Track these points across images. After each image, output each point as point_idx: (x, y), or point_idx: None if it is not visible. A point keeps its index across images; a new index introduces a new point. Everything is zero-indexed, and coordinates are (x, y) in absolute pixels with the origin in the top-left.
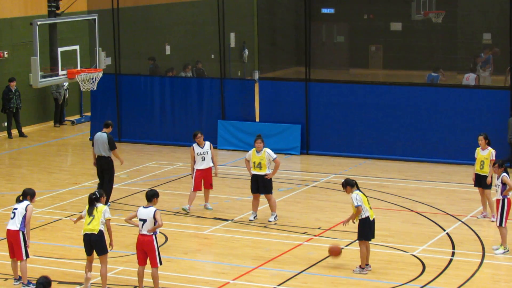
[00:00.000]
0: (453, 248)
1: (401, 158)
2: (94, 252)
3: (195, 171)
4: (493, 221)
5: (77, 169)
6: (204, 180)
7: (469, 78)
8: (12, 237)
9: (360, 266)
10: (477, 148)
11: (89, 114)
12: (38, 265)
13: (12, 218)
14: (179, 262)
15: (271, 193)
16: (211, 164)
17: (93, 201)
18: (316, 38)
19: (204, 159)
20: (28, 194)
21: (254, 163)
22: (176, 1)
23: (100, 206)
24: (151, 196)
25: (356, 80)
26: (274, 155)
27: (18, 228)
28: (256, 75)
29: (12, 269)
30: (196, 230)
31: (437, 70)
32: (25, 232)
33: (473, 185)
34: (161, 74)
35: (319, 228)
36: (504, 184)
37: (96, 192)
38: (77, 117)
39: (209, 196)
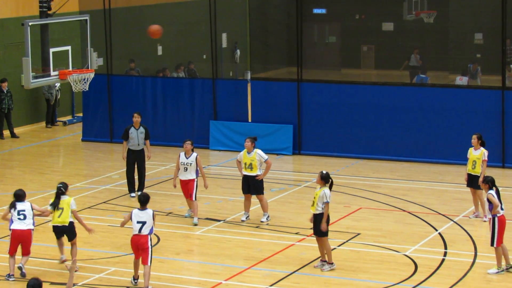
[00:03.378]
0: (445, 248)
1: (393, 158)
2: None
3: (178, 178)
4: (485, 221)
5: (69, 169)
6: (183, 190)
7: (462, 79)
8: (23, 236)
9: (328, 262)
10: (470, 148)
11: (81, 114)
12: (30, 266)
13: (22, 219)
14: (171, 263)
15: (262, 193)
16: (194, 177)
17: (59, 194)
18: (308, 38)
19: (186, 169)
20: (23, 196)
21: (245, 164)
22: (168, 2)
23: (66, 199)
24: (147, 200)
25: (348, 80)
26: (266, 156)
27: (30, 228)
28: (248, 76)
29: (10, 265)
30: (188, 231)
31: (425, 72)
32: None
33: (465, 185)
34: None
35: (311, 228)
36: (490, 202)
37: (61, 185)
38: (69, 117)
39: (194, 207)
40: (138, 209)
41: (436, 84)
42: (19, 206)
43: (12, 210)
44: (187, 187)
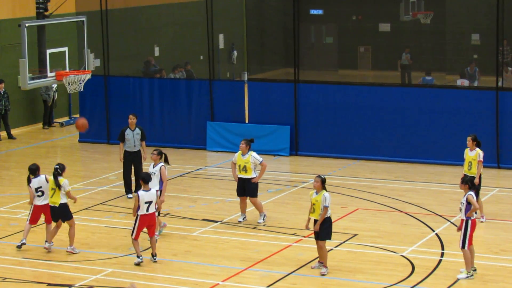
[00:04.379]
0: (442, 248)
1: (390, 159)
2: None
3: None
4: (482, 222)
5: (66, 171)
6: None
7: (464, 83)
8: (44, 209)
9: (324, 265)
10: (466, 149)
11: (78, 116)
12: (26, 267)
13: (41, 196)
14: (168, 264)
15: (256, 196)
16: (157, 188)
17: (55, 175)
18: (304, 39)
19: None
20: (37, 170)
21: (239, 166)
22: (165, 3)
23: (60, 179)
24: (149, 179)
25: (345, 81)
26: (260, 158)
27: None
28: (245, 77)
29: (25, 231)
30: (185, 232)
31: (429, 73)
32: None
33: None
34: (151, 75)
35: (308, 229)
36: (469, 203)
37: (57, 167)
38: (66, 119)
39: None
40: (143, 190)
41: (433, 85)
42: (35, 183)
43: (31, 185)
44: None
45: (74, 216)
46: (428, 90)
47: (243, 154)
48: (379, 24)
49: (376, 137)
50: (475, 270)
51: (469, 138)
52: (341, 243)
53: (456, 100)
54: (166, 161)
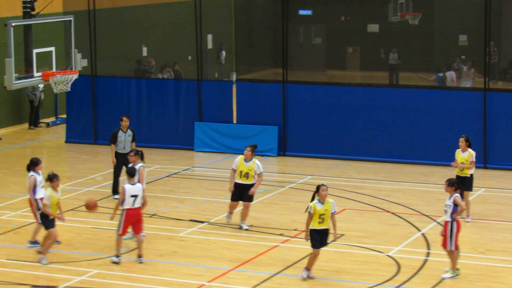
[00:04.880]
0: (428, 248)
1: (377, 159)
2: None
3: None
4: (468, 222)
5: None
6: None
7: (453, 76)
8: None
9: (307, 268)
10: (457, 150)
11: (64, 116)
12: (11, 269)
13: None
14: (155, 265)
15: (252, 201)
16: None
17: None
18: (293, 40)
19: None
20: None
21: (241, 172)
22: (153, 3)
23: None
24: (135, 172)
25: (333, 82)
26: (262, 169)
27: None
28: (234, 77)
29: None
30: (172, 233)
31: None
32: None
33: None
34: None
35: (295, 230)
36: (456, 205)
37: (51, 174)
38: (53, 119)
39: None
40: (130, 184)
41: (420, 86)
42: (39, 177)
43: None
44: None
45: None
46: (415, 91)
47: (246, 160)
48: (368, 25)
49: (364, 137)
50: (458, 270)
51: (462, 139)
52: (328, 243)
53: (444, 100)
54: (142, 158)
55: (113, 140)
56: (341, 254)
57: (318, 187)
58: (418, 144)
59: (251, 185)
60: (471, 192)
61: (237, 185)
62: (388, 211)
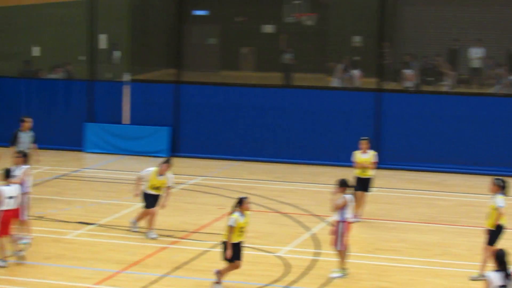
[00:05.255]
0: (317, 248)
1: (269, 159)
2: None
3: None
4: (358, 221)
5: None
6: None
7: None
8: None
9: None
10: (355, 152)
11: None
12: None
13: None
14: (41, 268)
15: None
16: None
17: None
18: (187, 40)
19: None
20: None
21: (152, 185)
22: (45, 2)
23: None
24: (11, 173)
25: (227, 82)
26: (172, 183)
27: None
28: (126, 77)
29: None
30: (59, 235)
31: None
32: None
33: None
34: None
35: (184, 231)
36: (344, 205)
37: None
38: None
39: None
40: (6, 185)
41: (314, 86)
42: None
43: None
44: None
45: None
46: (307, 91)
47: (160, 174)
48: (262, 26)
49: (256, 138)
50: (346, 269)
51: (365, 142)
52: (217, 244)
53: (337, 101)
54: (26, 159)
55: (13, 141)
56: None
57: (241, 200)
58: (309, 144)
59: (159, 196)
60: (368, 193)
61: (154, 196)
62: (279, 212)
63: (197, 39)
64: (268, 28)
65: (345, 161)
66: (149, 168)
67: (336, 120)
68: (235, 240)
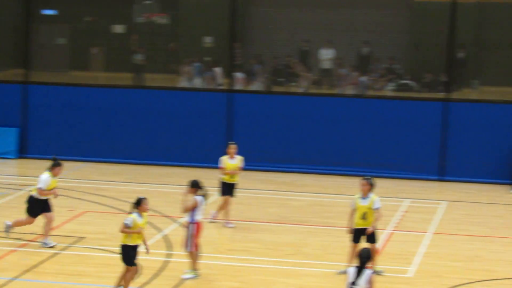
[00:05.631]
0: (169, 249)
1: (120, 160)
2: None
3: None
4: (212, 222)
5: None
6: None
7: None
8: None
9: None
10: (224, 157)
11: None
12: None
13: None
14: None
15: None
16: None
17: None
18: (36, 40)
19: None
20: None
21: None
22: None
23: None
24: None
25: (77, 83)
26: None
27: None
28: None
29: None
30: None
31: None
32: None
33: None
34: None
35: (32, 234)
36: (194, 207)
37: None
38: None
39: None
40: None
41: (165, 87)
42: None
43: None
44: None
45: None
46: (160, 92)
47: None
48: (112, 26)
49: (107, 139)
50: (197, 270)
51: (233, 146)
52: (68, 246)
53: (188, 101)
54: None
55: None
56: (81, 257)
57: (139, 200)
58: (160, 145)
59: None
60: (232, 197)
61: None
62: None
63: (46, 38)
64: (119, 28)
65: (197, 161)
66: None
67: (188, 121)
68: (132, 243)
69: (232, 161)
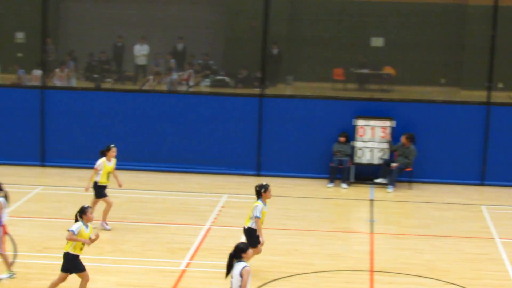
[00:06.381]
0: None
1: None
2: None
3: None
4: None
5: None
6: None
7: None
8: None
9: None
10: (102, 159)
11: None
12: None
13: None
14: None
15: None
16: None
17: None
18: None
19: None
20: None
21: None
22: None
23: None
24: None
25: None
26: None
27: None
28: None
29: None
30: None
31: None
32: None
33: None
34: None
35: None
36: None
37: None
38: None
39: None
40: None
41: (30, 86)
42: None
43: None
44: None
45: None
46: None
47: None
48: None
49: None
50: (12, 270)
51: (113, 149)
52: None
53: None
54: None
55: None
56: None
57: (84, 209)
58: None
59: None
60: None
61: None
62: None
63: None
64: None
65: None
66: None
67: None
68: (78, 252)
69: (109, 164)
